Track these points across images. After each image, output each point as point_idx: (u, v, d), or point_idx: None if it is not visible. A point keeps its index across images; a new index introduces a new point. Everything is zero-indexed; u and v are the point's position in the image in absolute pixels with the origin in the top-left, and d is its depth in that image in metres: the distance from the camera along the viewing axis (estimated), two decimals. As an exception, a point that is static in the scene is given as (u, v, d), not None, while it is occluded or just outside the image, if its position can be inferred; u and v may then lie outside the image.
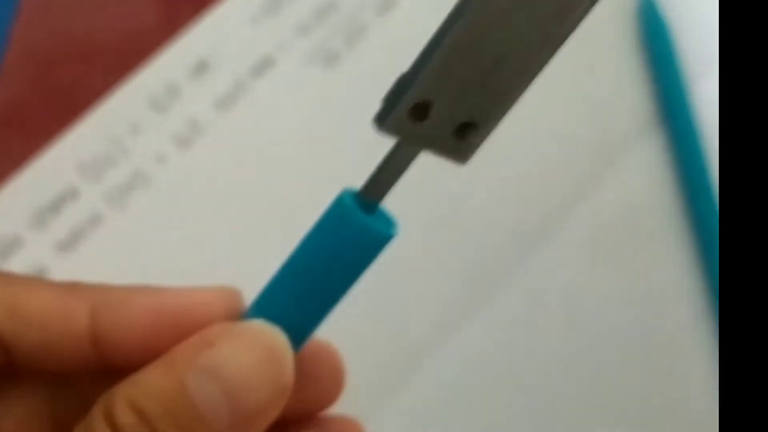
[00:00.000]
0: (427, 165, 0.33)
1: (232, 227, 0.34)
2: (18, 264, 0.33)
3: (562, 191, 0.35)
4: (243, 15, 0.37)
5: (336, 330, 0.33)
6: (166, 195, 0.34)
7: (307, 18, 0.37)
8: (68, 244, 0.34)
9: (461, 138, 0.19)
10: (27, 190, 0.34)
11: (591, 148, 0.36)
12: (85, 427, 0.19)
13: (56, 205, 0.34)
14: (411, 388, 0.33)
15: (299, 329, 0.21)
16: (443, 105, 0.19)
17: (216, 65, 0.36)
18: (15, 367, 0.22)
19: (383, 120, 0.19)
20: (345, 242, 0.20)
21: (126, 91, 0.35)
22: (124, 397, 0.19)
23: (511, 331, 0.34)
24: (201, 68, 0.36)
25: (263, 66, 0.36)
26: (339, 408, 0.30)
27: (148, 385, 0.19)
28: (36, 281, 0.23)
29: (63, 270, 0.33)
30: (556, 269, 0.34)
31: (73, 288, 0.22)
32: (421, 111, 0.19)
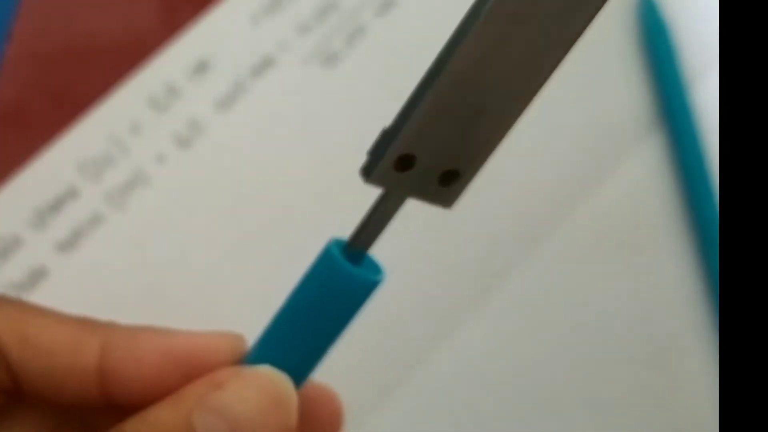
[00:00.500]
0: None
1: (232, 227, 0.34)
2: (18, 264, 0.33)
3: (561, 191, 0.35)
4: (243, 15, 0.37)
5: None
6: (166, 195, 0.34)
7: (307, 18, 0.37)
8: (68, 244, 0.34)
9: (446, 185, 0.20)
10: (27, 190, 0.34)
11: (591, 148, 0.36)
12: None
13: (56, 205, 0.34)
14: (411, 388, 0.33)
15: (296, 373, 0.22)
16: (426, 156, 0.20)
17: (216, 65, 0.36)
18: (22, 394, 0.22)
19: (370, 172, 0.20)
20: (334, 291, 0.21)
21: (126, 91, 0.35)
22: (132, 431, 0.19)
23: (510, 331, 0.34)
24: (201, 68, 0.36)
25: (263, 66, 0.36)
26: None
27: (156, 422, 0.20)
28: (48, 312, 0.23)
29: (63, 270, 0.33)
30: (556, 269, 0.34)
31: (84, 323, 0.23)
32: (405, 162, 0.20)
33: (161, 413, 0.20)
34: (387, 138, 0.20)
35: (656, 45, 0.36)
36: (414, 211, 0.34)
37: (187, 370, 0.22)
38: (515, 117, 0.20)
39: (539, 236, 0.34)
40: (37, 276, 0.33)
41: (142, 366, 0.22)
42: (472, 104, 0.19)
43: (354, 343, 0.33)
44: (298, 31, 0.37)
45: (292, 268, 0.33)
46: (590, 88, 0.36)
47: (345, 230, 0.35)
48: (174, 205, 0.34)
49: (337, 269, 0.21)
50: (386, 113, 0.33)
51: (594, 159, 0.35)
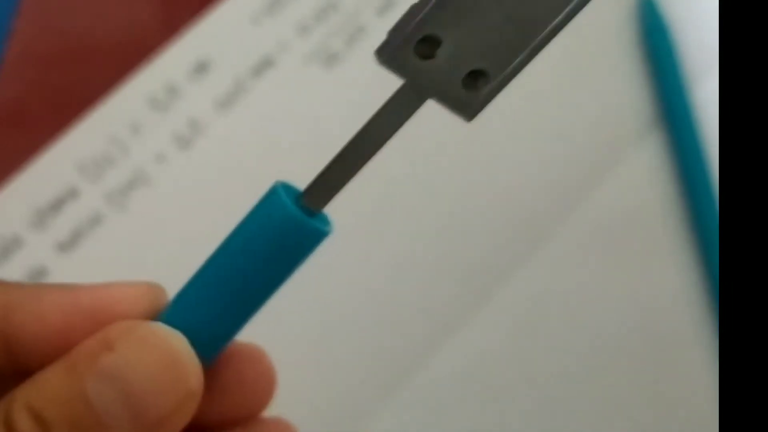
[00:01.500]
0: (427, 165, 0.33)
1: (232, 227, 0.34)
2: (18, 264, 0.33)
3: (562, 191, 0.35)
4: (243, 15, 0.37)
5: (336, 330, 0.33)
6: (166, 195, 0.34)
7: (307, 18, 0.37)
8: (68, 244, 0.34)
9: (470, 88, 0.18)
10: (27, 190, 0.34)
11: (591, 148, 0.36)
12: None
13: (56, 205, 0.34)
14: (411, 388, 0.33)
15: (218, 333, 0.20)
16: (453, 44, 0.17)
17: (216, 65, 0.36)
18: None
19: (385, 52, 0.17)
20: (274, 238, 0.19)
21: (126, 91, 0.35)
22: (23, 401, 0.18)
23: (511, 332, 0.34)
24: (201, 68, 0.36)
25: (263, 66, 0.36)
26: (341, 408, 0.30)
27: (48, 389, 0.18)
28: None
29: (63, 270, 0.33)
30: (556, 270, 0.34)
31: None
32: (427, 47, 0.17)
33: (53, 379, 0.18)
34: (412, 14, 0.17)
35: (656, 45, 0.36)
36: (414, 210, 0.34)
37: (96, 327, 0.20)
38: (562, 21, 0.17)
39: (539, 236, 0.34)
40: (37, 276, 0.33)
41: (46, 325, 0.20)
42: None
43: (354, 343, 0.33)
44: (298, 31, 0.37)
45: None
46: (590, 88, 0.36)
47: (345, 230, 0.35)
48: (174, 205, 0.34)
49: (282, 213, 0.19)
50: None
51: (594, 158, 0.35)
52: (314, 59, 0.36)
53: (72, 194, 0.34)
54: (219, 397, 0.21)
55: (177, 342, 0.19)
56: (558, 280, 0.34)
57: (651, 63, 0.36)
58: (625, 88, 0.36)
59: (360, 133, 0.19)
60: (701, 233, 0.34)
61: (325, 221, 0.20)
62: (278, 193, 0.19)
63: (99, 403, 0.18)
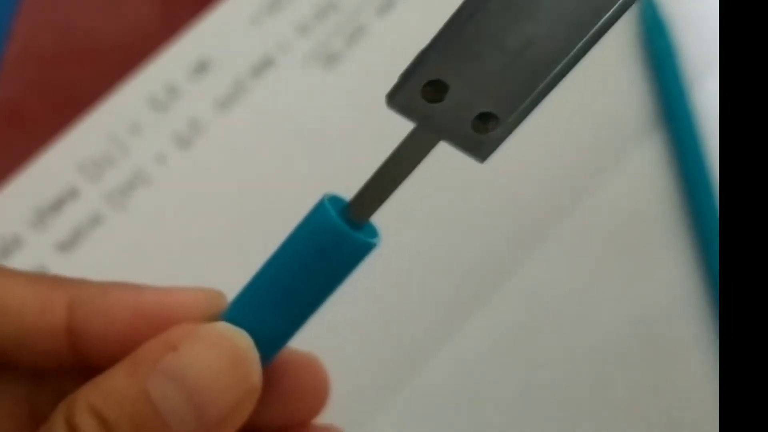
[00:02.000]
0: (427, 165, 0.33)
1: (233, 227, 0.34)
2: (18, 264, 0.33)
3: (562, 192, 0.35)
4: (243, 15, 0.37)
5: (336, 330, 0.33)
6: (166, 195, 0.34)
7: (307, 18, 0.37)
8: (68, 244, 0.34)
9: (480, 130, 0.18)
10: (27, 190, 0.34)
11: (591, 148, 0.36)
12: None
13: (56, 205, 0.34)
14: (411, 388, 0.33)
15: (274, 335, 0.20)
16: (460, 87, 0.17)
17: (216, 65, 0.36)
18: None
19: (395, 95, 0.18)
20: (324, 250, 0.20)
21: (126, 91, 0.35)
22: (85, 401, 0.18)
23: (510, 332, 0.34)
24: (201, 68, 0.36)
25: (263, 66, 0.36)
26: (340, 409, 0.30)
27: (110, 390, 0.18)
28: (16, 273, 0.22)
29: (63, 270, 0.33)
30: (556, 270, 0.34)
31: (53, 281, 0.22)
32: (435, 90, 0.17)
33: (115, 380, 0.19)
34: (420, 58, 0.17)
35: (656, 45, 0.36)
36: (414, 210, 0.34)
37: (160, 328, 0.20)
38: (570, 63, 0.17)
39: (539, 236, 0.34)
40: (37, 276, 0.33)
41: (112, 324, 0.21)
42: (521, 34, 0.17)
43: (353, 343, 0.33)
44: (298, 31, 0.37)
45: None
46: (590, 88, 0.36)
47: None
48: (174, 205, 0.34)
49: (329, 227, 0.19)
50: (386, 113, 0.33)
51: (594, 158, 0.35)
52: (314, 59, 0.36)
53: (72, 194, 0.34)
54: (273, 401, 0.22)
55: (241, 339, 0.19)
56: (558, 280, 0.34)
57: (651, 63, 0.36)
58: (626, 88, 0.36)
59: (379, 171, 0.20)
60: (701, 233, 0.34)
61: (373, 233, 0.20)
62: (325, 207, 0.20)
63: (162, 403, 0.18)
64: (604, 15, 0.17)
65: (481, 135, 0.18)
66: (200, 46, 0.36)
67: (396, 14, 0.37)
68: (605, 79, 0.36)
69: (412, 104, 0.18)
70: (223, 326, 0.20)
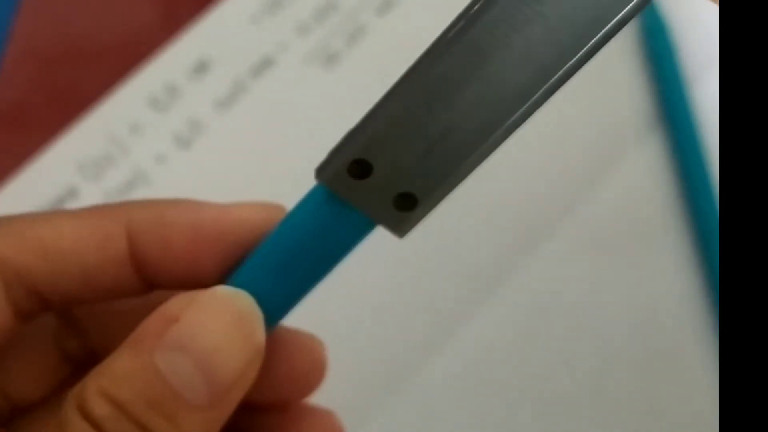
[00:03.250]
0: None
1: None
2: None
3: (561, 191, 0.35)
4: (243, 15, 0.37)
5: (335, 331, 0.33)
6: (166, 195, 0.34)
7: (307, 18, 0.37)
8: (68, 244, 0.34)
9: (401, 208, 0.19)
10: (27, 190, 0.34)
11: (591, 148, 0.36)
12: (60, 425, 0.18)
13: (56, 205, 0.34)
14: (411, 388, 0.33)
15: (276, 303, 0.21)
16: (383, 168, 0.18)
17: (216, 65, 0.36)
18: (42, 309, 0.21)
19: (322, 170, 0.19)
20: (327, 224, 0.20)
21: (126, 91, 0.35)
22: (95, 388, 0.18)
23: (510, 332, 0.34)
24: (201, 68, 0.36)
25: (263, 66, 0.36)
26: (341, 406, 0.30)
27: (118, 373, 0.18)
28: (60, 214, 0.21)
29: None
30: (556, 269, 0.34)
31: (103, 211, 0.21)
32: (360, 168, 0.18)
33: (121, 361, 0.18)
34: (347, 139, 0.19)
35: (656, 45, 0.36)
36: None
37: (221, 245, 0.20)
38: (484, 150, 0.18)
39: (539, 236, 0.34)
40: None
41: (172, 248, 0.21)
42: (441, 122, 0.18)
43: (354, 342, 0.33)
44: (298, 31, 0.37)
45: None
46: (590, 88, 0.36)
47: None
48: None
49: (333, 200, 0.20)
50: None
51: (594, 158, 0.35)
52: (314, 59, 0.36)
53: (72, 194, 0.34)
54: (269, 375, 0.22)
55: (241, 299, 0.19)
56: (558, 280, 0.34)
57: (651, 63, 0.36)
58: (625, 88, 0.36)
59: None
60: (701, 233, 0.34)
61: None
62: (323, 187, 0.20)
63: (172, 375, 0.18)
64: (519, 107, 0.18)
65: (402, 213, 0.19)
66: (200, 46, 0.36)
67: (396, 14, 0.37)
68: (605, 79, 0.36)
69: (337, 180, 0.19)
70: (222, 289, 0.19)
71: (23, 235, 0.20)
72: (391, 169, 0.18)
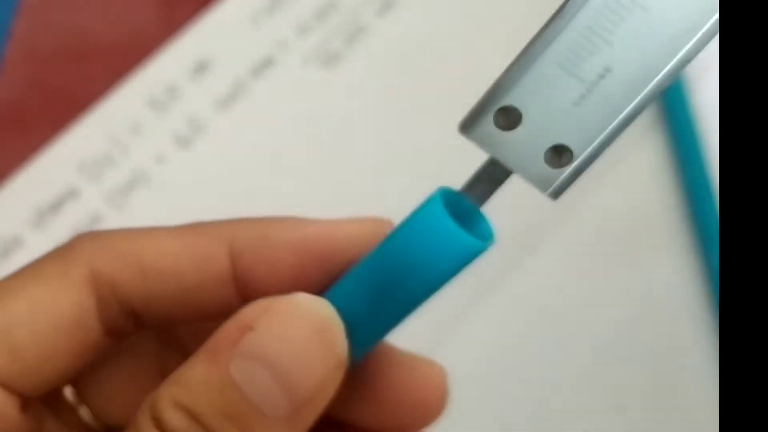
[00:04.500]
0: (427, 165, 0.33)
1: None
2: (18, 264, 0.33)
3: (562, 191, 0.35)
4: (243, 15, 0.37)
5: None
6: (166, 195, 0.34)
7: (307, 18, 0.37)
8: (68, 244, 0.34)
9: (554, 164, 0.18)
10: (27, 190, 0.34)
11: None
12: None
13: (56, 205, 0.34)
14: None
15: (369, 330, 0.20)
16: (534, 116, 0.17)
17: (216, 65, 0.36)
18: (136, 327, 0.21)
19: (467, 123, 0.17)
20: (429, 247, 0.19)
21: (126, 91, 0.35)
22: (169, 398, 0.17)
23: (510, 332, 0.34)
24: (201, 68, 0.36)
25: (263, 66, 0.36)
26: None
27: (193, 382, 0.17)
28: (160, 231, 0.21)
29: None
30: (556, 270, 0.34)
31: (202, 229, 0.21)
32: (508, 117, 0.17)
33: (196, 371, 0.18)
34: (493, 87, 0.17)
35: (656, 45, 0.36)
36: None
37: (328, 264, 0.19)
38: (646, 93, 0.17)
39: (539, 236, 0.34)
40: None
41: (278, 267, 0.20)
42: (597, 63, 0.16)
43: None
44: (298, 31, 0.37)
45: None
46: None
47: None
48: (174, 205, 0.34)
49: (438, 222, 0.18)
50: (386, 113, 0.33)
51: (594, 159, 0.35)
52: (314, 59, 0.36)
53: (72, 194, 0.34)
54: (374, 400, 0.21)
55: (322, 307, 0.18)
56: (558, 279, 0.34)
57: (651, 63, 0.36)
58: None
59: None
60: (701, 232, 0.34)
61: (487, 234, 0.20)
62: (436, 200, 0.19)
63: (248, 386, 0.17)
64: (684, 47, 0.17)
65: (555, 169, 0.18)
66: (200, 46, 0.36)
67: (396, 14, 0.37)
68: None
69: (484, 132, 0.17)
70: (300, 296, 0.18)
71: (121, 251, 0.20)
72: (543, 118, 0.17)
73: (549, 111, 0.17)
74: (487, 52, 0.36)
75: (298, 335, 0.18)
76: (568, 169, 0.18)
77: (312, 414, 0.18)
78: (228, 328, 0.18)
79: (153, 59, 0.36)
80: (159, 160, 0.35)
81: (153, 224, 0.34)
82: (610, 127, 0.17)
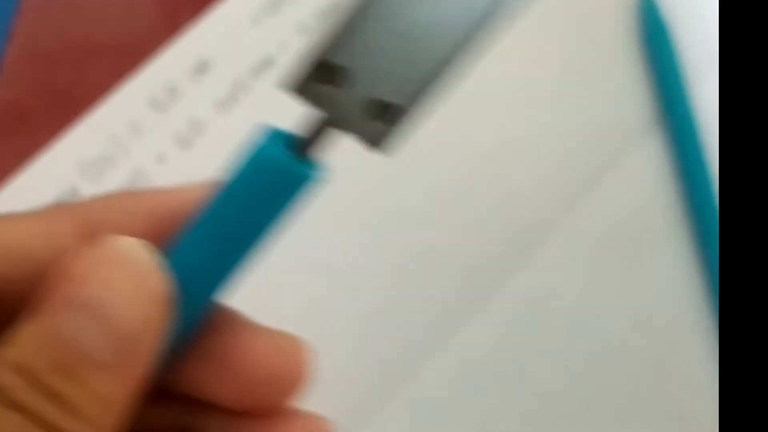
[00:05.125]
0: (427, 166, 0.33)
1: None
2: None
3: (562, 191, 0.35)
4: (243, 15, 0.37)
5: (334, 331, 0.33)
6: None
7: (307, 18, 0.37)
8: (68, 244, 0.34)
9: (377, 119, 0.18)
10: (27, 190, 0.34)
11: (591, 148, 0.36)
12: None
13: (56, 205, 0.34)
14: (410, 389, 0.33)
15: (213, 274, 0.20)
16: (357, 74, 0.17)
17: (216, 65, 0.36)
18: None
19: (291, 81, 0.18)
20: (257, 177, 0.19)
21: (126, 91, 0.35)
22: (3, 360, 0.18)
23: (510, 332, 0.34)
24: (201, 68, 0.36)
25: (263, 66, 0.36)
26: (338, 409, 0.29)
27: (23, 341, 0.18)
28: (16, 214, 0.21)
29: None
30: (555, 270, 0.34)
31: (56, 210, 0.21)
32: (329, 74, 0.17)
33: (25, 330, 0.18)
34: (317, 43, 0.17)
35: (656, 45, 0.36)
36: (414, 210, 0.34)
37: (175, 228, 0.20)
38: (465, 49, 0.17)
39: (539, 236, 0.34)
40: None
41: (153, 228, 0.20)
42: (415, 18, 0.17)
43: (352, 344, 0.33)
44: (298, 31, 0.37)
45: (292, 268, 0.33)
46: (590, 88, 0.36)
47: (344, 229, 0.35)
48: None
49: (265, 152, 0.19)
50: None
51: (594, 159, 0.35)
52: (314, 59, 0.36)
53: (72, 194, 0.34)
54: (241, 378, 0.21)
55: (137, 247, 0.19)
56: (558, 280, 0.34)
57: (651, 63, 0.36)
58: (625, 88, 0.36)
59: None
60: (701, 233, 0.34)
61: (315, 167, 0.19)
62: (263, 135, 0.19)
63: (74, 335, 0.18)
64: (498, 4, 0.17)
65: (381, 125, 0.18)
66: (200, 46, 0.36)
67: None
68: (605, 79, 0.36)
69: (307, 88, 0.18)
70: (115, 239, 0.19)
71: None
72: (365, 73, 0.17)
73: (372, 67, 0.17)
74: (487, 51, 0.36)
75: (115, 276, 0.18)
76: (394, 124, 0.18)
77: (141, 357, 0.18)
78: (49, 281, 0.18)
79: (153, 59, 0.36)
80: (159, 160, 0.35)
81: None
82: (431, 80, 0.17)
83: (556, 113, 0.36)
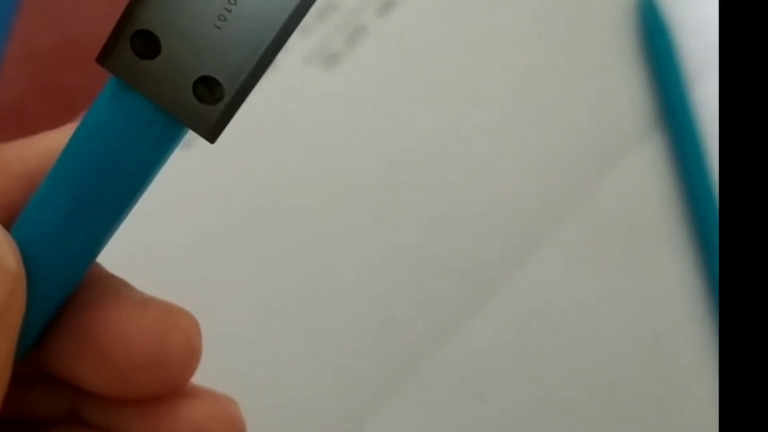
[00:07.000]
0: (427, 165, 0.33)
1: (233, 227, 0.34)
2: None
3: (561, 191, 0.35)
4: (243, 15, 0.37)
5: (333, 331, 0.33)
6: (167, 195, 0.34)
7: (307, 18, 0.37)
8: (68, 244, 0.34)
9: (204, 99, 0.15)
10: (27, 190, 0.34)
11: (591, 148, 0.36)
12: None
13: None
14: (410, 389, 0.33)
15: (72, 243, 0.18)
16: (174, 45, 0.14)
17: (216, 65, 0.36)
18: None
19: (104, 52, 0.15)
20: (121, 128, 0.17)
21: (126, 91, 0.35)
22: None
23: (509, 332, 0.34)
24: (201, 68, 0.36)
25: (263, 66, 0.36)
26: (338, 409, 0.30)
27: None
28: None
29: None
30: (555, 270, 0.34)
31: None
32: (146, 44, 0.15)
33: None
34: (127, 8, 0.15)
35: (656, 45, 0.36)
36: (413, 210, 0.34)
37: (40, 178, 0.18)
38: (292, 13, 0.15)
39: (538, 236, 0.34)
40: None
41: (10, 195, 0.19)
42: None
43: (351, 344, 0.33)
44: (298, 31, 0.37)
45: (292, 268, 0.33)
46: (590, 88, 0.36)
47: (344, 229, 0.35)
48: (174, 205, 0.34)
49: (118, 99, 0.16)
50: (386, 113, 0.33)
51: (594, 159, 0.35)
52: (314, 59, 0.36)
53: (72, 194, 0.34)
54: (118, 363, 0.19)
55: None
56: (557, 280, 0.34)
57: (651, 63, 0.36)
58: (625, 88, 0.36)
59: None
60: (701, 233, 0.34)
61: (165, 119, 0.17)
62: (116, 84, 0.16)
63: None
64: None
65: (208, 105, 0.15)
66: (200, 46, 0.36)
67: (396, 14, 0.37)
68: (605, 79, 0.36)
69: (124, 63, 0.15)
70: None
71: None
72: (183, 45, 0.14)
73: (190, 37, 0.14)
74: (488, 51, 0.36)
75: None
76: (222, 106, 0.15)
77: (3, 338, 0.17)
78: None
79: (153, 59, 0.36)
80: (159, 160, 0.35)
81: (153, 224, 0.34)
82: (258, 55, 0.15)
83: (556, 113, 0.36)
